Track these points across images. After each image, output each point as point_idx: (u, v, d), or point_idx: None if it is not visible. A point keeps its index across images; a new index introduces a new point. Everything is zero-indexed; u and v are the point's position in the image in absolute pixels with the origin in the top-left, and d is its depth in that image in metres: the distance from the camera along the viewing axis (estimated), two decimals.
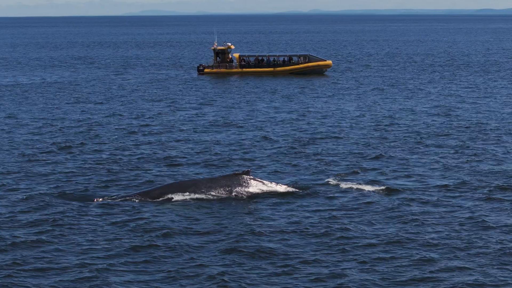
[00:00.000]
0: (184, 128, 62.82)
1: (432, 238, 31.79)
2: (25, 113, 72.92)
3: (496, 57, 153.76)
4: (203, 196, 37.92)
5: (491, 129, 60.98)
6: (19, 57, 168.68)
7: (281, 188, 39.85)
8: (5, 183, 42.48)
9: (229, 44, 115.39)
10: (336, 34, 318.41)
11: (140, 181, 42.67)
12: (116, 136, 58.90)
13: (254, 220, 34.72)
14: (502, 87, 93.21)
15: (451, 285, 26.90)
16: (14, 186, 41.75)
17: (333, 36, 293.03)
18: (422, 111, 71.74)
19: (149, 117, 69.61)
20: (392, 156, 49.75)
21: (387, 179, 43.08)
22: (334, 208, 36.84)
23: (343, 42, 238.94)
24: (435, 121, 65.64)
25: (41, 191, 39.79)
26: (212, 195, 38.11)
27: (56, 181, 42.71)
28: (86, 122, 66.55)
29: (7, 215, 35.59)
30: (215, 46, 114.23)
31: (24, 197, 38.72)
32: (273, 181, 40.95)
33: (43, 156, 50.56)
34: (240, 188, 38.93)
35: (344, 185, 41.01)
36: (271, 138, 57.43)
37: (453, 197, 38.91)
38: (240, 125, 64.63)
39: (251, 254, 29.79)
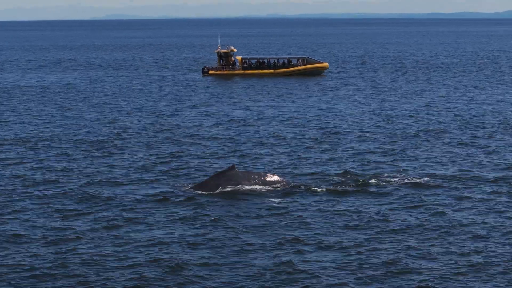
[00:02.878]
0: (193, 125, 63.88)
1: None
2: (40, 113, 73.08)
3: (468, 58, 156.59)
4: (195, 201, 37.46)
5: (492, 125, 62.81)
6: (6, 59, 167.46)
7: (270, 178, 40.08)
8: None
9: (232, 47, 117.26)
10: (305, 37, 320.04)
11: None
12: (139, 134, 59.76)
13: (241, 214, 34.99)
14: (491, 83, 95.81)
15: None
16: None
17: (304, 39, 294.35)
18: (416, 110, 73.03)
19: (163, 116, 70.43)
20: (393, 154, 50.07)
21: (383, 176, 42.62)
22: (322, 201, 36.99)
23: (315, 44, 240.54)
24: (432, 119, 66.94)
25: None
26: (204, 197, 37.98)
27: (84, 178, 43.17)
28: (107, 122, 67.16)
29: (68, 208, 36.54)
30: (219, 49, 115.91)
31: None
32: (261, 172, 41.55)
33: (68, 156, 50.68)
34: (228, 183, 39.05)
35: (332, 180, 41.20)
36: (272, 135, 58.44)
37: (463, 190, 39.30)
38: (243, 122, 65.90)
39: (238, 249, 29.88)
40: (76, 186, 40.98)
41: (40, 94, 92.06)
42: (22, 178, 43.23)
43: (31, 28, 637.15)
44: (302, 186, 39.86)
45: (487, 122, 64.72)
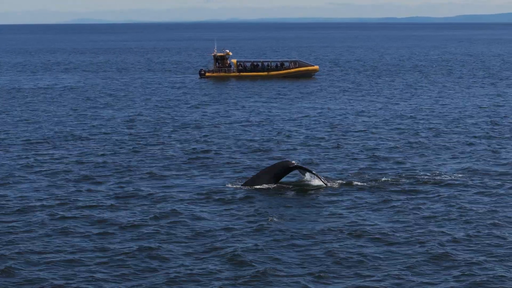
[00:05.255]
0: (193, 125, 64.94)
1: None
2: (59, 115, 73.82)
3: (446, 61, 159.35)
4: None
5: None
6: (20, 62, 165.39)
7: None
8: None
9: (228, 51, 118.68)
10: (268, 41, 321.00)
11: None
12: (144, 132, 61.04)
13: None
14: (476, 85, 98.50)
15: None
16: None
17: (267, 43, 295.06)
18: (409, 110, 74.41)
19: (165, 115, 71.82)
20: (379, 155, 49.88)
21: (371, 178, 42.36)
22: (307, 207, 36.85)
23: (283, 47, 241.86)
24: (429, 118, 68.08)
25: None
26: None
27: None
28: (123, 121, 68.18)
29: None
30: (215, 52, 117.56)
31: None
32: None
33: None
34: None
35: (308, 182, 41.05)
36: (266, 134, 59.30)
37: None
38: (238, 121, 67.02)
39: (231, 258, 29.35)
40: (111, 183, 42.11)
41: (47, 95, 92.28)
42: (59, 176, 44.04)
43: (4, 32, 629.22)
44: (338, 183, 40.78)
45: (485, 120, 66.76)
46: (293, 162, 41.20)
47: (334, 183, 40.66)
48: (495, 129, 61.47)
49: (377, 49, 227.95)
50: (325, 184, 40.23)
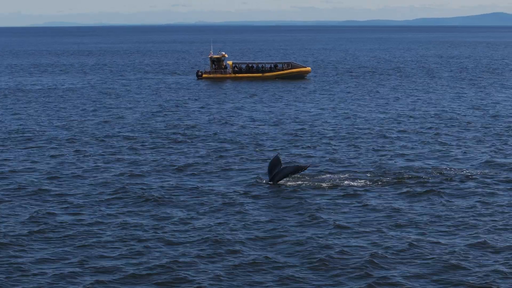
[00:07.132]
0: (191, 124, 65.22)
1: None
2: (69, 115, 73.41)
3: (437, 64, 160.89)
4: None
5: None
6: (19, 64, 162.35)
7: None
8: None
9: (223, 53, 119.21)
10: (246, 43, 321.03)
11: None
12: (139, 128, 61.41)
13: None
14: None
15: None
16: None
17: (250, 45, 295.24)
18: (398, 110, 74.82)
19: (165, 115, 72.07)
20: (363, 152, 50.34)
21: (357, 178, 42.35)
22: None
23: (254, 50, 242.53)
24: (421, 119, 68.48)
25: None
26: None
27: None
28: (128, 119, 68.54)
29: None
30: (211, 54, 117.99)
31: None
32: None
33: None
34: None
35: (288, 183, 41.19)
36: (260, 133, 59.50)
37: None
38: (234, 121, 67.24)
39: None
40: (123, 180, 42.17)
41: (55, 96, 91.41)
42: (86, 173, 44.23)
43: None
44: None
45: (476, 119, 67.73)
46: (272, 178, 40.76)
47: (336, 182, 40.81)
48: (491, 129, 61.83)
49: (349, 51, 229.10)
50: (304, 167, 41.35)
